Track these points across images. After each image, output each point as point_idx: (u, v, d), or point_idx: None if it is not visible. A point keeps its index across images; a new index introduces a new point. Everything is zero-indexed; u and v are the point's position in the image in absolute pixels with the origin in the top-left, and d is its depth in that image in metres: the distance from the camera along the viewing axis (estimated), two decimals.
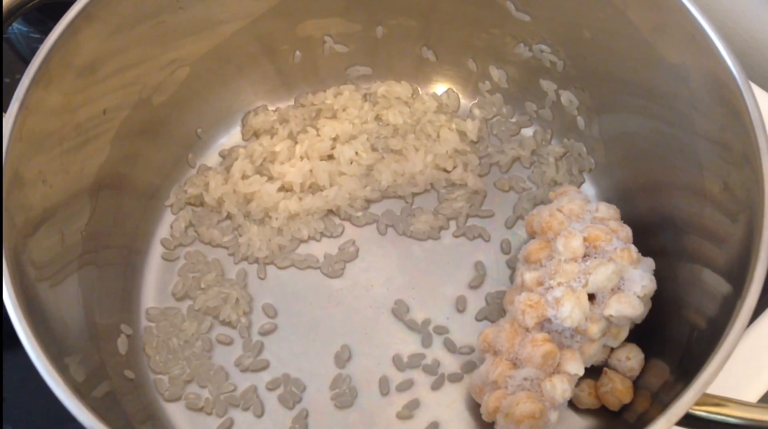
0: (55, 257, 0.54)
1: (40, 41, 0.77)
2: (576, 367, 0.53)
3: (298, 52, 0.68)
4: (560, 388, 0.52)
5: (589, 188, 0.66)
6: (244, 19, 0.63)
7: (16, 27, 0.76)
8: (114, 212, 0.60)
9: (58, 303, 0.53)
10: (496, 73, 0.68)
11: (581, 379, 0.54)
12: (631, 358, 0.56)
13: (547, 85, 0.66)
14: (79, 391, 0.45)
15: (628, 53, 0.57)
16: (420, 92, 0.71)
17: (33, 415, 0.60)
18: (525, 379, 0.53)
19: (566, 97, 0.65)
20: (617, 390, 0.55)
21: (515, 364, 0.54)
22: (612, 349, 0.56)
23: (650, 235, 0.58)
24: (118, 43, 0.55)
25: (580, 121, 0.66)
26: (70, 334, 0.53)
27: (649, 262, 0.56)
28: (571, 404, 0.57)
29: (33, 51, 0.78)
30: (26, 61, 0.77)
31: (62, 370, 0.45)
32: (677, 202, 0.58)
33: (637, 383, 0.56)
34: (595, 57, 0.60)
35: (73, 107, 0.53)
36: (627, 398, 0.55)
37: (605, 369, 0.56)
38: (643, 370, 0.56)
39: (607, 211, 0.58)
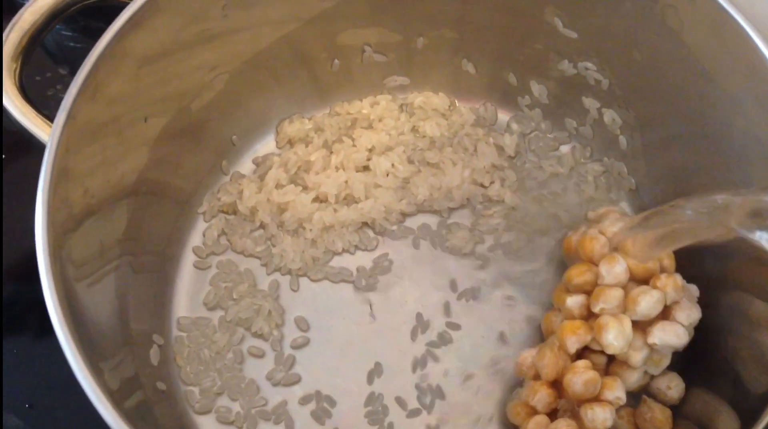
0: (93, 257, 0.52)
1: (71, 39, 0.77)
2: (617, 395, 0.52)
3: (336, 61, 0.67)
4: (601, 417, 0.51)
5: (627, 208, 0.65)
6: (285, 27, 0.62)
7: None
8: (149, 218, 0.59)
9: (96, 304, 0.51)
10: (536, 88, 0.67)
11: (620, 406, 0.53)
12: (672, 388, 0.55)
13: (590, 103, 0.65)
14: (114, 399, 0.44)
15: (680, 77, 0.56)
16: (457, 104, 0.69)
17: (60, 422, 0.59)
18: (565, 406, 0.52)
19: (609, 115, 0.64)
20: (656, 419, 0.54)
21: (556, 389, 0.53)
22: (652, 377, 0.56)
23: (690, 259, 0.57)
24: (164, 50, 0.54)
25: (623, 141, 0.64)
26: (105, 338, 0.51)
27: (693, 290, 0.55)
28: None
29: (62, 49, 0.78)
30: (55, 59, 0.77)
31: (98, 375, 0.44)
32: None
33: (676, 412, 0.55)
34: (644, 78, 0.59)
35: (117, 116, 0.52)
36: (666, 428, 0.54)
37: (644, 397, 0.55)
38: (684, 399, 0.55)
39: None
